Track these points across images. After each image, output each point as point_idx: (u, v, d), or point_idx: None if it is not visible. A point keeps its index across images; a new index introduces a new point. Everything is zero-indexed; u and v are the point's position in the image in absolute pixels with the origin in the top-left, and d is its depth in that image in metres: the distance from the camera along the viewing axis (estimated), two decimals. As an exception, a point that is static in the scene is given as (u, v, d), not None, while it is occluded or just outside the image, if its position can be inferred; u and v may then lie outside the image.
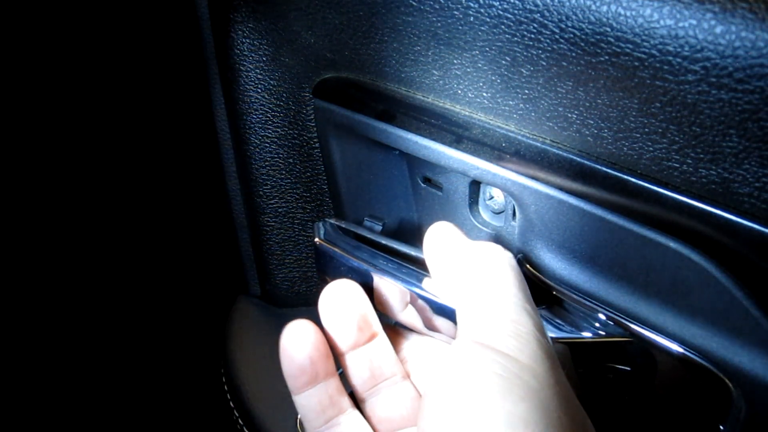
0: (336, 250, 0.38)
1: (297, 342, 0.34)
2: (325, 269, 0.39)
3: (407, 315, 0.36)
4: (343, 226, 0.40)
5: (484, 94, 0.33)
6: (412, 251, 0.37)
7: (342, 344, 0.35)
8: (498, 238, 0.40)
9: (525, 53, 0.30)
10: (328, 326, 0.35)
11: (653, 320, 0.32)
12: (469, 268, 0.32)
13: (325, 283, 0.36)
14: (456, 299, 0.32)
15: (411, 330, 0.38)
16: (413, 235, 0.47)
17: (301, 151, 0.44)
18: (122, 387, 0.51)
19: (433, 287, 0.35)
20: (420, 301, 0.35)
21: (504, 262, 0.31)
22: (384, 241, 0.38)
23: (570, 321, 0.35)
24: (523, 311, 0.29)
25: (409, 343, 0.38)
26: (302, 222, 0.47)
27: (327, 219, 0.40)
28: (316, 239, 0.39)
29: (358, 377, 0.36)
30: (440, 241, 0.34)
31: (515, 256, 0.35)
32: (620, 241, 0.31)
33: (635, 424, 0.37)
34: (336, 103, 0.40)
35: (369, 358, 0.36)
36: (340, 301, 0.35)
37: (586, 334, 0.35)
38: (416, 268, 0.36)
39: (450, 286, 0.33)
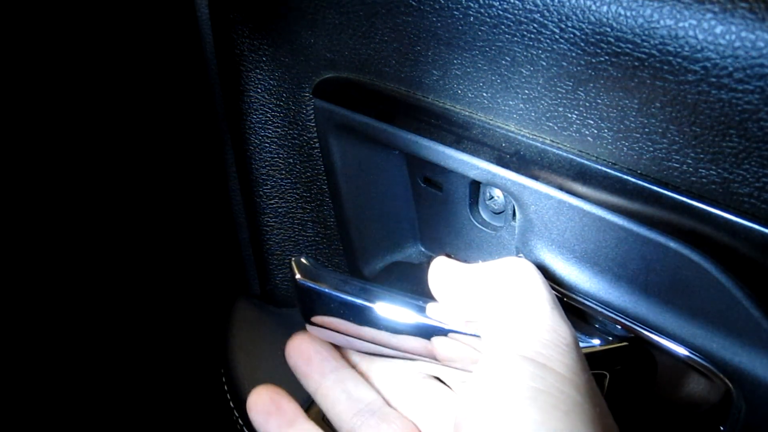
0: (321, 286, 0.35)
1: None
2: (312, 308, 0.36)
3: (400, 346, 0.34)
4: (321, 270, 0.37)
5: (484, 94, 0.33)
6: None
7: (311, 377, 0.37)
8: (498, 238, 0.40)
9: (525, 53, 0.30)
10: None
11: (653, 320, 0.32)
12: (496, 285, 0.31)
13: (310, 323, 0.36)
14: (483, 319, 0.31)
15: (400, 362, 0.37)
16: (413, 236, 0.47)
17: (301, 151, 0.44)
18: (122, 387, 0.51)
19: (433, 312, 0.33)
20: (417, 329, 0.33)
21: (532, 271, 0.31)
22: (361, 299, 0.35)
23: (570, 322, 0.35)
24: (560, 320, 0.29)
25: (386, 380, 0.38)
26: (302, 222, 0.47)
27: (302, 257, 0.37)
28: (297, 276, 0.35)
29: (334, 404, 0.36)
30: (449, 271, 0.33)
31: (516, 257, 0.35)
32: (620, 241, 0.31)
33: (636, 424, 0.37)
34: (336, 103, 0.40)
35: (339, 380, 0.36)
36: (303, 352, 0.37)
37: (595, 341, 0.34)
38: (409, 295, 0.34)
39: (471, 310, 0.32)
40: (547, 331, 0.28)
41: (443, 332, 0.33)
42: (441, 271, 0.33)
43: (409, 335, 0.33)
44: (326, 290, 0.34)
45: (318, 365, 0.37)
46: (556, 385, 0.26)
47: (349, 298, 0.34)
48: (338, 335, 0.36)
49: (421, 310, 0.33)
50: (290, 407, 0.36)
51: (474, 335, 0.32)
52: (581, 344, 0.34)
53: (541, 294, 0.30)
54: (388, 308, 0.33)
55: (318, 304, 0.35)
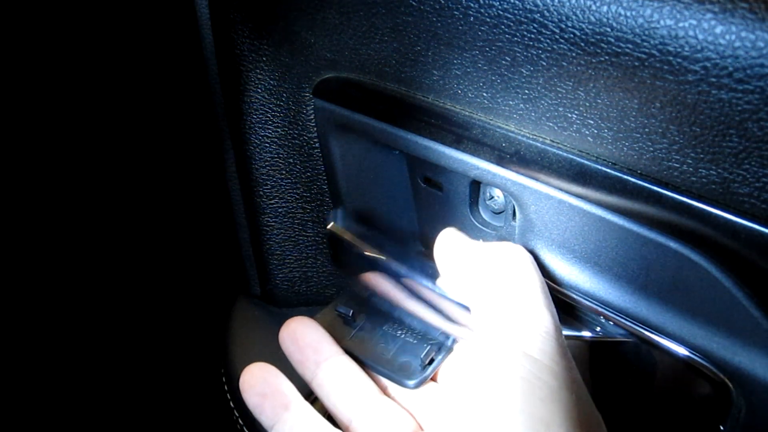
0: (347, 238, 0.40)
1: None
2: (338, 256, 0.41)
3: (410, 306, 0.37)
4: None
5: (484, 94, 0.33)
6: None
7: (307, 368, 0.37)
8: (498, 238, 0.40)
9: (525, 53, 0.30)
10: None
11: (653, 320, 0.32)
12: (489, 266, 0.32)
13: (340, 270, 0.38)
14: (473, 298, 0.32)
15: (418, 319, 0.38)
16: (413, 235, 0.47)
17: (301, 151, 0.44)
18: (122, 387, 0.51)
19: (444, 282, 0.35)
20: (427, 294, 0.36)
21: (526, 260, 0.32)
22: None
23: (570, 322, 0.35)
24: (546, 310, 0.30)
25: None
26: (302, 222, 0.47)
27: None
28: (329, 225, 0.42)
29: (330, 394, 0.36)
30: (453, 243, 0.34)
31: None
32: (620, 241, 0.31)
33: (635, 424, 0.37)
34: (336, 103, 0.40)
35: (335, 369, 0.36)
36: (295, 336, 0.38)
37: (586, 334, 0.35)
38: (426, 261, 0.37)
39: (466, 285, 0.33)
40: (529, 318, 0.29)
41: (439, 298, 0.35)
42: (446, 242, 0.35)
43: (412, 293, 0.37)
44: (350, 240, 0.42)
45: (313, 353, 0.36)
46: (535, 372, 0.27)
47: (370, 252, 0.40)
48: (360, 278, 0.41)
49: (429, 275, 0.36)
50: (285, 388, 0.35)
51: (465, 307, 0.34)
52: (569, 333, 0.34)
53: (530, 280, 0.31)
54: (399, 264, 0.38)
55: (344, 252, 0.43)
